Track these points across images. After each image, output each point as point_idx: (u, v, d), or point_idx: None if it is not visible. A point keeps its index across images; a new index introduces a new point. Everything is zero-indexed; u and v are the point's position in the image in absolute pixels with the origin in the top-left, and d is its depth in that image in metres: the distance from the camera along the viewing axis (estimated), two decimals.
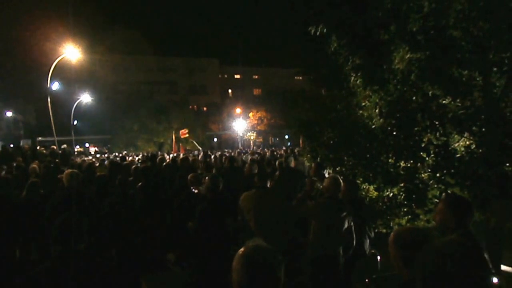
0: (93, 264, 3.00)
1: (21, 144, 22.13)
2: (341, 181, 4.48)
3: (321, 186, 5.26)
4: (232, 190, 5.60)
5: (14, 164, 9.63)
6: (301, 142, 12.26)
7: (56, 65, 20.63)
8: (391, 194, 5.95)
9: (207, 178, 4.90)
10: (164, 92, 51.04)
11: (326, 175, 6.91)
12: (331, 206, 4.20)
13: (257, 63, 57.60)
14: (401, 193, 5.77)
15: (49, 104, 20.38)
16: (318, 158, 7.15)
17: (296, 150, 13.81)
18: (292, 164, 8.79)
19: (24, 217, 5.56)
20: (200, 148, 24.86)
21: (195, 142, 25.47)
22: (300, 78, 41.50)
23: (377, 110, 6.01)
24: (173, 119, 40.67)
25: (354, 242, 4.24)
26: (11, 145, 19.40)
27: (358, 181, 6.05)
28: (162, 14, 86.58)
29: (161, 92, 49.85)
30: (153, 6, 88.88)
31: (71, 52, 20.46)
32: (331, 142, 6.92)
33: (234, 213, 4.32)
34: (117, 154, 24.15)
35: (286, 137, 49.38)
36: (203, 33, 78.36)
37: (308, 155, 7.72)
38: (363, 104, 6.45)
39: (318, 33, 6.36)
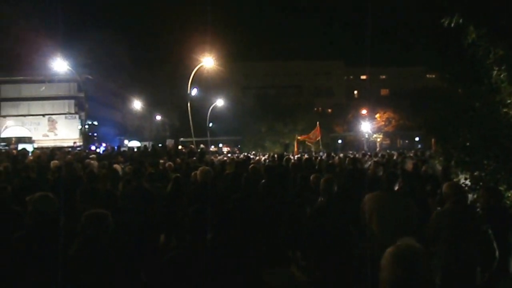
0: (219, 254, 3.28)
1: (167, 143, 25.14)
2: (460, 187, 4.01)
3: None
4: (353, 192, 5.49)
5: (161, 161, 11.04)
6: (433, 144, 11.29)
7: (195, 73, 22.93)
8: None
9: (321, 180, 4.88)
10: (290, 95, 52.26)
11: (462, 181, 6.27)
12: (456, 214, 3.80)
13: (384, 62, 54.76)
14: None
15: (189, 108, 22.76)
16: (452, 162, 6.51)
17: (427, 153, 12.73)
18: (408, 166, 8.22)
19: (168, 208, 6.37)
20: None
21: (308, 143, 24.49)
22: (433, 76, 38.05)
23: None
24: (298, 121, 41.43)
25: (497, 256, 3.71)
26: (159, 145, 22.28)
27: (501, 188, 5.33)
28: (287, 20, 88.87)
29: (288, 95, 51.13)
30: (280, 13, 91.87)
31: (208, 61, 22.46)
32: (468, 144, 6.24)
33: (354, 215, 4.24)
34: (246, 153, 25.65)
35: (417, 139, 45.85)
36: (329, 35, 77.83)
37: (440, 158, 7.09)
38: (509, 101, 5.66)
39: (452, 25, 5.80)
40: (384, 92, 58.38)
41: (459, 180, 6.18)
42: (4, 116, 38.86)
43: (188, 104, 23.01)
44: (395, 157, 13.16)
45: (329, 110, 54.16)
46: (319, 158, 13.79)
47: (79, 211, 4.39)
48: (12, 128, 33.70)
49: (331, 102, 54.88)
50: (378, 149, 35.93)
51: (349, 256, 4.07)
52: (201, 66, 22.80)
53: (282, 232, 5.59)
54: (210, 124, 38.10)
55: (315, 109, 50.45)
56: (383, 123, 48.07)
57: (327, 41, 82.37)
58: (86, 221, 2.93)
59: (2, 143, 24.59)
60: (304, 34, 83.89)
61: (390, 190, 4.18)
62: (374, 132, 46.24)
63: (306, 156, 15.73)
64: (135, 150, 18.59)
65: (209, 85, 40.95)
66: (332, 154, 15.71)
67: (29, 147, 19.33)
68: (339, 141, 47.79)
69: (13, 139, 26.32)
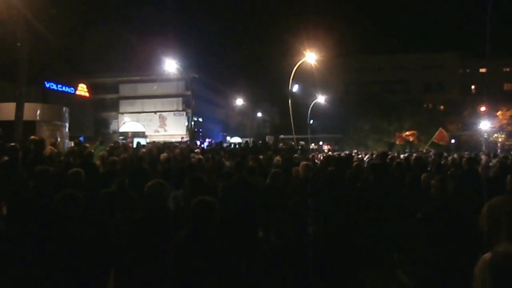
0: (321, 249, 3.19)
1: (267, 140, 25.68)
2: None
3: None
4: (470, 194, 4.92)
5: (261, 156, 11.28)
6: None
7: (297, 69, 22.84)
8: None
9: (433, 180, 4.47)
10: (397, 91, 49.31)
11: None
12: None
13: (508, 53, 48.01)
14: None
15: (290, 106, 22.84)
16: None
17: None
18: None
19: (267, 201, 6.42)
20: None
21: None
22: None
23: None
24: (404, 119, 38.87)
25: None
26: (260, 142, 22.85)
27: None
28: (393, 10, 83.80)
29: (394, 91, 48.30)
30: (384, 3, 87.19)
31: (310, 56, 22.18)
32: None
33: (469, 221, 3.77)
34: (347, 152, 24.92)
35: None
36: (442, 24, 71.40)
37: None
38: None
39: None
40: (508, 86, 51.59)
41: None
42: (122, 113, 43.95)
43: (289, 101, 23.09)
44: None
45: (441, 107, 49.72)
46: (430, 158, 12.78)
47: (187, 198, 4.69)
48: (129, 124, 37.67)
49: (443, 98, 50.26)
50: (499, 150, 31.91)
51: (466, 264, 3.62)
52: (303, 62, 22.62)
53: (387, 233, 5.24)
54: (311, 121, 37.79)
55: (425, 105, 46.77)
56: (505, 121, 42.53)
57: (439, 31, 75.47)
58: (195, 207, 3.04)
59: (121, 137, 27.74)
60: (413, 24, 78.48)
61: None
62: (494, 132, 41.17)
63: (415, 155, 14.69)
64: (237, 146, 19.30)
65: (311, 81, 40.68)
66: (445, 154, 14.39)
67: (143, 141, 21.40)
68: (452, 141, 43.61)
69: (129, 133, 29.44)
